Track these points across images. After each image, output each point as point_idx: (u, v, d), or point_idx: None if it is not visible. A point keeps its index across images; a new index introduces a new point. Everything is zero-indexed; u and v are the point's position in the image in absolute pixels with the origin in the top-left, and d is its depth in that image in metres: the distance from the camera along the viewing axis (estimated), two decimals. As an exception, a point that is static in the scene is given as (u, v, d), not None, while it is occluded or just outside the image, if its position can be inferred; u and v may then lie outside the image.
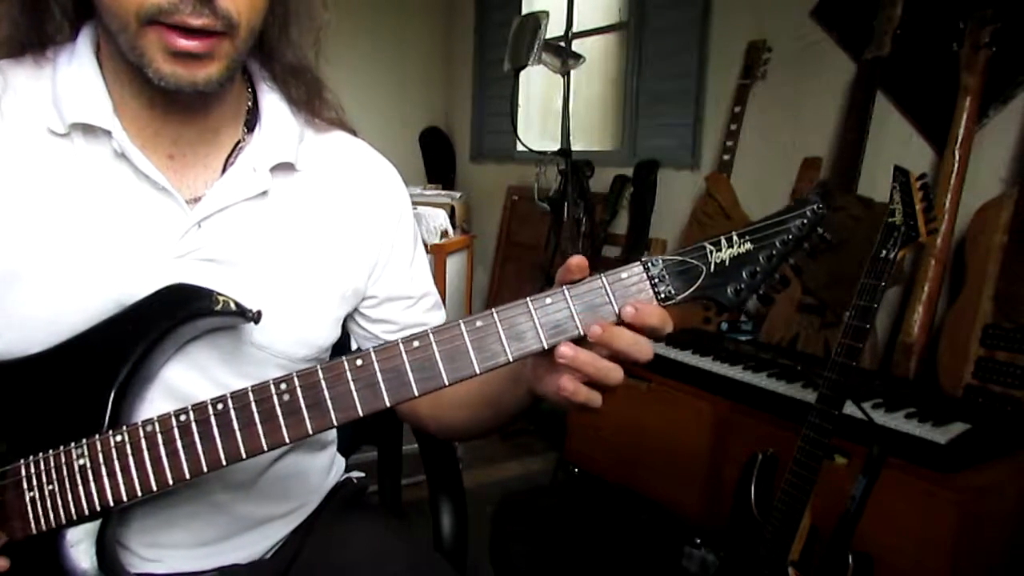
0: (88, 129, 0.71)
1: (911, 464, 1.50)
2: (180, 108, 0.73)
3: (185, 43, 0.64)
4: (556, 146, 2.91)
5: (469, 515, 1.03)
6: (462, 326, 0.64)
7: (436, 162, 4.51)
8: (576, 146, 2.97)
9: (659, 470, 2.11)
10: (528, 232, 3.78)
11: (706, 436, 1.98)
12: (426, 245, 3.16)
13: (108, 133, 0.70)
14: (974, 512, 1.46)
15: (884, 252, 1.28)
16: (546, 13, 2.70)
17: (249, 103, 0.81)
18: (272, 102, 0.80)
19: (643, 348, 0.63)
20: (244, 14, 0.67)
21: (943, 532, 1.46)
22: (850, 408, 1.39)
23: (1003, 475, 1.56)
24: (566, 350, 0.62)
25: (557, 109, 3.06)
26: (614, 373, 0.63)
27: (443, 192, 3.82)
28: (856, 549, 1.34)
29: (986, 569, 1.57)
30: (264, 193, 0.77)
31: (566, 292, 0.64)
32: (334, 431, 0.95)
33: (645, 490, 2.14)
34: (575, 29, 3.07)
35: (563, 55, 2.79)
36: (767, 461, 1.52)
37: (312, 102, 0.84)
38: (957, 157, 1.99)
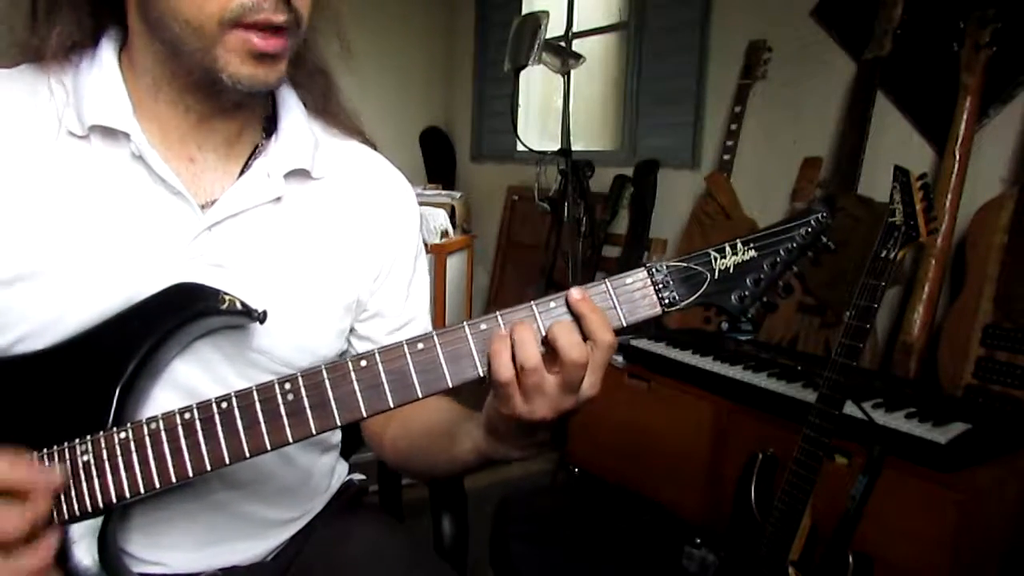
0: (107, 131, 0.71)
1: (911, 464, 1.50)
2: (216, 113, 0.74)
3: (265, 44, 0.67)
4: (556, 146, 2.91)
5: (469, 515, 1.03)
6: (466, 328, 0.64)
7: (436, 162, 4.50)
8: (576, 146, 2.97)
9: (659, 470, 2.11)
10: (528, 232, 3.78)
11: (706, 436, 1.99)
12: (426, 245, 3.15)
13: (127, 135, 0.71)
14: (974, 512, 1.47)
15: (884, 252, 1.28)
16: (546, 13, 2.69)
17: (269, 109, 0.81)
18: (291, 108, 0.81)
19: (577, 347, 0.61)
20: (307, 11, 0.71)
21: (943, 532, 1.46)
22: (850, 408, 1.39)
23: (1003, 475, 1.56)
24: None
25: (557, 109, 3.06)
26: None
27: (443, 192, 3.82)
28: (856, 549, 1.34)
29: (986, 569, 1.57)
30: (278, 199, 0.77)
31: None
32: (338, 435, 0.95)
33: (645, 490, 2.14)
34: (575, 29, 3.08)
35: (563, 55, 2.79)
36: (767, 461, 1.52)
37: (328, 107, 0.85)
38: (957, 157, 1.99)
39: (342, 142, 0.86)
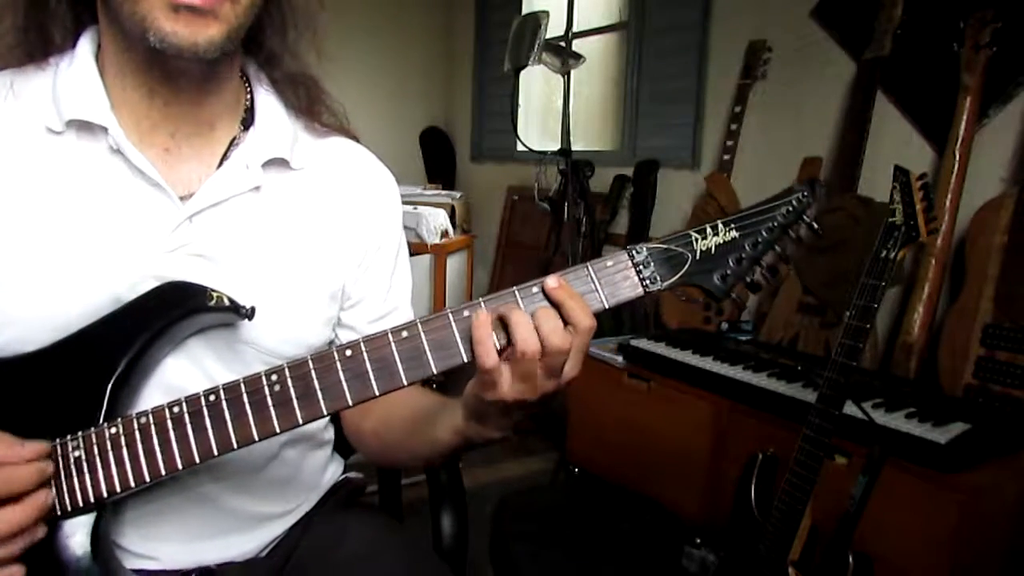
0: (84, 126, 0.72)
1: (911, 464, 1.50)
2: (180, 96, 0.74)
3: None
4: (556, 146, 2.91)
5: (469, 515, 1.03)
6: (449, 316, 0.64)
7: (436, 162, 4.51)
8: (576, 146, 2.97)
9: (659, 470, 2.11)
10: (528, 232, 3.79)
11: (706, 436, 1.98)
12: (426, 245, 3.16)
13: (104, 129, 0.72)
14: (974, 512, 1.46)
15: (884, 252, 1.28)
16: (546, 13, 2.70)
17: (247, 103, 0.82)
18: (267, 102, 0.82)
19: (559, 333, 0.62)
20: None
21: (943, 532, 1.46)
22: (850, 408, 1.39)
23: (1003, 475, 1.56)
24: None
25: (557, 109, 3.06)
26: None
27: (443, 192, 3.81)
28: (856, 549, 1.34)
29: (986, 569, 1.57)
30: (257, 189, 0.78)
31: None
32: (331, 431, 0.95)
33: (645, 490, 2.14)
34: (575, 29, 3.08)
35: (563, 55, 2.79)
36: (767, 461, 1.52)
37: (312, 108, 0.85)
38: (957, 157, 1.99)
39: (324, 135, 0.86)
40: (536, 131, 4.04)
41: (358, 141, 0.90)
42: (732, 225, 0.66)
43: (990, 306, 1.85)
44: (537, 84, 3.99)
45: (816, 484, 1.33)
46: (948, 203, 1.97)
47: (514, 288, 0.65)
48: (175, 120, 0.75)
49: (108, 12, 0.70)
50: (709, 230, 0.66)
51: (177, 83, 0.73)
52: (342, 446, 0.99)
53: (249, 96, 0.82)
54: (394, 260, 0.90)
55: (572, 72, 2.85)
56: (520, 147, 3.07)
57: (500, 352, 0.63)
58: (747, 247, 0.66)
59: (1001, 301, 1.83)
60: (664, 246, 0.66)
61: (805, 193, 0.67)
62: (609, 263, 0.66)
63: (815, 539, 1.39)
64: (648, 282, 0.65)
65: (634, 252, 0.66)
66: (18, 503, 0.63)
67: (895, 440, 1.52)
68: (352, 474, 0.99)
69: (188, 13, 0.65)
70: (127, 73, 0.73)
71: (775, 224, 0.67)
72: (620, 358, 2.25)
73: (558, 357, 0.62)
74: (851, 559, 1.33)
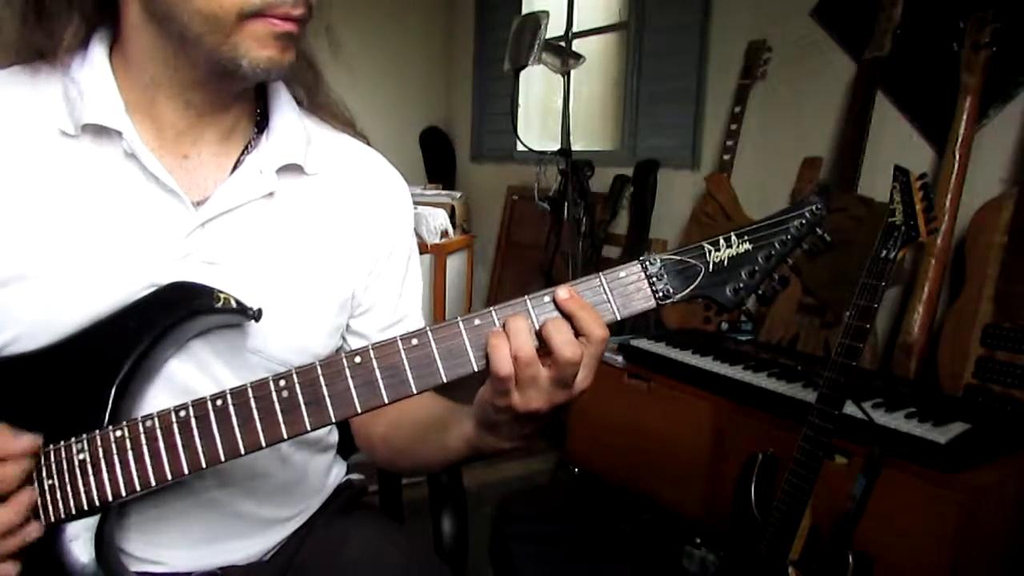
0: (99, 130, 0.71)
1: (911, 464, 1.50)
2: (215, 105, 0.74)
3: (288, 25, 0.68)
4: (556, 146, 2.91)
5: (469, 515, 1.03)
6: (460, 324, 0.64)
7: (436, 162, 4.51)
8: (576, 146, 2.97)
9: (659, 470, 2.11)
10: (528, 232, 3.79)
11: (706, 436, 1.99)
12: (426, 245, 3.16)
13: (119, 134, 0.71)
14: (974, 512, 1.46)
15: (884, 252, 1.28)
16: (546, 13, 2.70)
17: (259, 104, 0.81)
18: (282, 103, 0.81)
19: (570, 345, 0.61)
20: (315, 3, 0.71)
21: (943, 532, 1.46)
22: (850, 408, 1.39)
23: (1003, 475, 1.56)
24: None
25: (557, 109, 3.06)
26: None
27: (443, 192, 3.82)
28: (856, 549, 1.34)
29: (986, 569, 1.57)
30: (270, 195, 0.77)
31: None
32: (335, 434, 0.95)
33: (645, 490, 2.14)
34: (575, 29, 3.08)
35: (563, 55, 2.79)
36: (767, 461, 1.52)
37: (317, 99, 0.85)
38: (957, 157, 1.99)
39: (335, 137, 0.86)
40: (536, 131, 4.04)
41: (367, 141, 0.90)
42: (745, 237, 0.65)
43: (990, 306, 1.85)
44: (537, 84, 3.99)
45: (816, 484, 1.33)
46: (948, 203, 1.98)
47: (525, 297, 0.64)
48: (202, 129, 0.75)
49: (161, 29, 0.69)
50: (722, 242, 0.65)
51: (220, 96, 0.74)
52: (342, 446, 0.99)
53: (262, 96, 0.81)
54: (405, 266, 0.90)
55: (572, 72, 2.85)
56: (520, 147, 3.07)
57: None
58: (760, 260, 0.65)
59: (1001, 301, 1.83)
60: (677, 257, 0.65)
61: (819, 206, 0.66)
62: (622, 274, 0.65)
63: (815, 539, 1.39)
64: (661, 295, 0.64)
65: (648, 263, 0.65)
66: (5, 503, 0.63)
67: (895, 440, 1.52)
68: (354, 476, 0.99)
69: (285, 39, 0.68)
70: (163, 85, 0.72)
71: (789, 237, 0.66)
72: (620, 358, 2.25)
73: (569, 369, 0.62)
74: (851, 559, 1.33)
